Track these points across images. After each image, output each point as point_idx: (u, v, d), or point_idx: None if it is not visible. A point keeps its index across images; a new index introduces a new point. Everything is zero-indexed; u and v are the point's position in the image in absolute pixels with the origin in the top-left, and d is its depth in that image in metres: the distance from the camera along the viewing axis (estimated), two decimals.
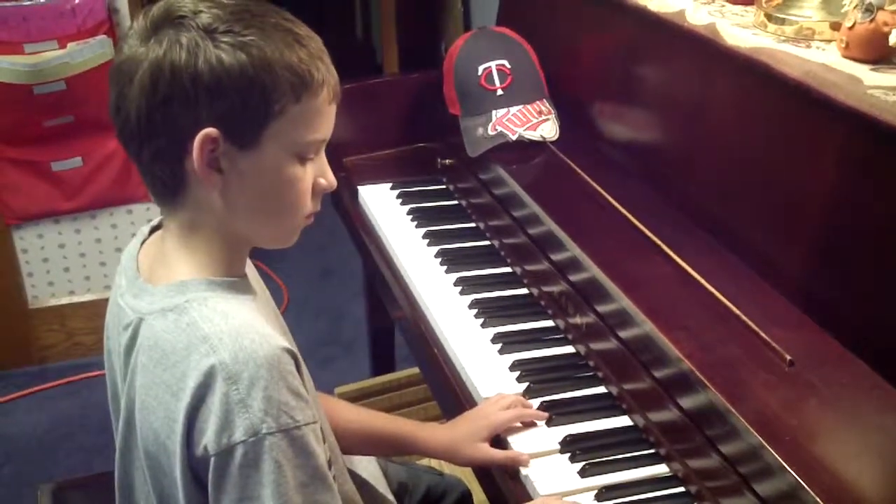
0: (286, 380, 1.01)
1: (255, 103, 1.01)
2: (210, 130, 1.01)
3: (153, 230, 1.19)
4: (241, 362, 0.99)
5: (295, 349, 1.07)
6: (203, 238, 1.09)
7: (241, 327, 1.02)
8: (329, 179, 1.11)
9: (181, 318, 1.04)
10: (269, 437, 0.99)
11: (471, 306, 1.67)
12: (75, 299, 2.92)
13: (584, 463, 1.31)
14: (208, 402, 1.00)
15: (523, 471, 1.31)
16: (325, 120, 1.08)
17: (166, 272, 1.10)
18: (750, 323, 1.29)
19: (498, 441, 1.38)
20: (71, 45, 2.57)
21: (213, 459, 1.00)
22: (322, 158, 1.10)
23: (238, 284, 1.10)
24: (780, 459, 1.07)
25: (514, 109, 1.88)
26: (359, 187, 2.08)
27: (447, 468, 1.80)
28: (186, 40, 1.00)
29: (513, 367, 1.50)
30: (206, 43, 1.00)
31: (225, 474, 1.00)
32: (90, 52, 2.59)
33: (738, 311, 1.32)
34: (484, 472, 1.40)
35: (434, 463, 1.88)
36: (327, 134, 1.09)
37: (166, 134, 1.02)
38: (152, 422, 1.06)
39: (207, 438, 1.00)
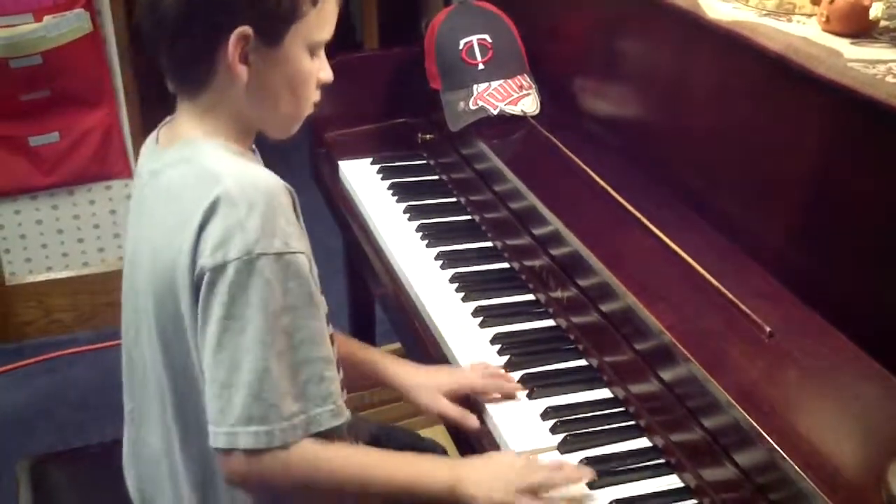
0: (284, 210, 1.11)
1: (286, 6, 1.12)
2: (245, 28, 1.11)
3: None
4: (242, 189, 1.09)
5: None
6: (219, 118, 1.18)
7: (248, 167, 1.15)
8: (328, 73, 1.22)
9: (192, 163, 1.15)
10: (262, 257, 1.06)
11: (452, 280, 1.67)
12: (53, 276, 2.90)
13: (564, 434, 1.31)
14: (209, 227, 1.08)
15: (505, 440, 1.32)
16: (332, 21, 1.19)
17: (179, 139, 1.19)
18: (730, 295, 1.30)
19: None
20: (47, 19, 2.54)
21: (206, 275, 1.07)
22: (323, 55, 1.21)
23: (245, 154, 1.20)
24: (760, 430, 1.08)
25: (495, 84, 1.87)
26: (339, 162, 2.07)
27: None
28: None
29: (494, 341, 1.51)
30: None
31: (214, 291, 1.07)
32: (67, 25, 2.55)
33: (718, 284, 1.33)
34: (464, 439, 1.40)
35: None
36: (331, 33, 1.20)
37: (204, 31, 1.12)
38: (165, 261, 1.12)
39: (204, 256, 1.08)
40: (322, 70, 1.21)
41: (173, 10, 1.10)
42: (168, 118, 1.27)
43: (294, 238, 1.10)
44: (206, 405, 1.11)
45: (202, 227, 1.08)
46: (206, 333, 1.08)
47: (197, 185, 1.11)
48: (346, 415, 1.17)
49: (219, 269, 1.06)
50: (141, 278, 1.19)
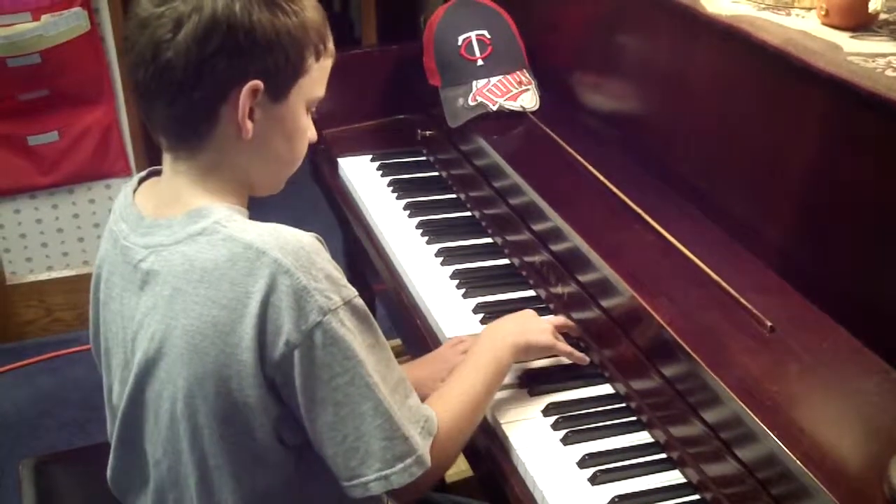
0: (328, 259, 1.10)
1: (294, 61, 1.10)
2: (256, 83, 1.07)
3: (141, 181, 1.23)
4: (291, 254, 1.05)
5: None
6: (219, 177, 1.14)
7: (274, 228, 1.09)
8: (314, 133, 1.20)
9: (214, 236, 1.08)
10: (339, 310, 1.07)
11: (452, 277, 1.67)
12: (54, 275, 2.90)
13: (566, 431, 1.31)
14: (273, 301, 1.05)
15: (509, 438, 1.32)
16: (327, 78, 1.18)
17: (181, 207, 1.12)
18: (730, 290, 1.30)
19: None
20: (45, 18, 2.53)
21: (297, 351, 1.05)
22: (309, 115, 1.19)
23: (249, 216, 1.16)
24: (761, 425, 1.08)
25: (494, 80, 1.87)
26: (339, 159, 2.07)
27: None
28: None
29: None
30: (256, 1, 1.06)
31: (312, 359, 1.06)
32: (65, 24, 2.55)
33: (718, 279, 1.33)
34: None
35: None
36: (324, 91, 1.19)
37: (212, 84, 1.06)
38: (208, 345, 1.07)
39: (287, 333, 1.05)
40: (309, 128, 1.19)
41: (181, 60, 1.04)
42: (138, 178, 1.22)
43: (344, 280, 1.10)
44: (338, 465, 1.11)
45: (265, 304, 1.04)
46: (317, 400, 1.08)
47: (233, 262, 1.06)
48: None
49: (308, 339, 1.05)
50: (162, 359, 1.11)
